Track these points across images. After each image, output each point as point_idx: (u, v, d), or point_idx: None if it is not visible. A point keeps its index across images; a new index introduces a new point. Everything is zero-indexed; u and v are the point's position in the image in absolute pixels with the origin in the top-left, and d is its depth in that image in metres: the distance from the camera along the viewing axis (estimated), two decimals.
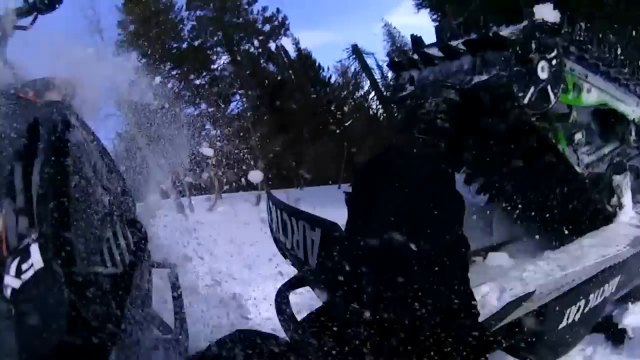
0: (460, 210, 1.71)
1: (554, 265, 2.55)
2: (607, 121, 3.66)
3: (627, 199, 3.28)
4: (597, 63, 3.20)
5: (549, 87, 2.72)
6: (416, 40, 3.40)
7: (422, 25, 16.10)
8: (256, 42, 21.43)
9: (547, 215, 3.29)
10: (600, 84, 3.24)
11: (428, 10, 14.57)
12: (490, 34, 2.73)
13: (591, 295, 2.48)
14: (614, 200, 3.30)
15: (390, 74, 15.28)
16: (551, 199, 3.21)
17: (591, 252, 2.71)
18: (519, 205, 3.43)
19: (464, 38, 3.07)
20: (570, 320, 2.33)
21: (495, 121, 2.92)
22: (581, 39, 3.03)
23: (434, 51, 3.19)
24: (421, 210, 1.64)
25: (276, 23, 21.43)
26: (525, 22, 2.72)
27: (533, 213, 3.42)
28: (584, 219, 3.19)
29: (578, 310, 2.39)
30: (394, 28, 21.72)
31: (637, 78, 3.47)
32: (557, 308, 2.25)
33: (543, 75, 2.67)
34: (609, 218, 3.23)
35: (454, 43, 3.03)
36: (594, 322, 2.73)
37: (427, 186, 1.71)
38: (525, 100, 2.63)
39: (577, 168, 3.17)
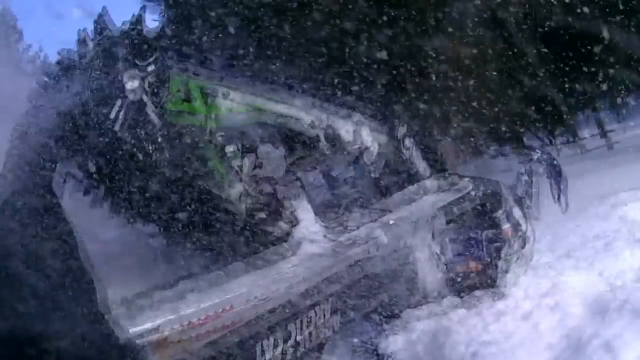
0: (70, 239, 1.80)
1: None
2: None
3: (303, 213, 2.95)
4: (230, 63, 2.84)
5: (145, 98, 2.31)
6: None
7: None
8: None
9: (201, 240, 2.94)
10: (242, 86, 2.86)
11: None
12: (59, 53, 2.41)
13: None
14: (287, 216, 2.93)
15: None
16: (201, 223, 2.84)
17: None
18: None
19: None
20: None
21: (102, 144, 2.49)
22: (208, 40, 2.75)
23: None
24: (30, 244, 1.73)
25: None
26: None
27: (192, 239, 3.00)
28: (249, 241, 2.80)
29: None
30: None
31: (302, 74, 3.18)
32: None
33: (133, 84, 2.25)
34: (285, 236, 2.87)
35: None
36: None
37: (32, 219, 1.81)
38: (112, 115, 2.25)
39: (234, 186, 2.74)
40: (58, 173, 2.66)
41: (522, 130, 7.81)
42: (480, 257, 3.97)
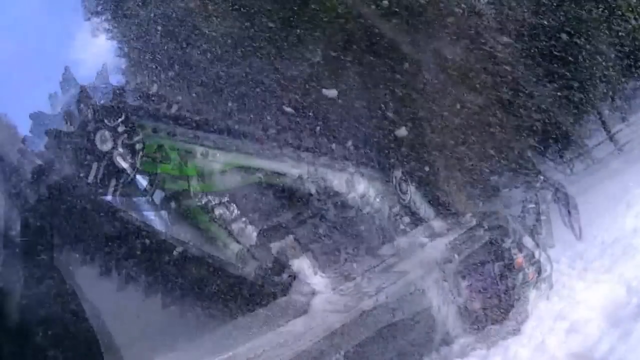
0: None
1: None
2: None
3: (318, 283, 2.92)
4: (206, 121, 2.73)
5: (118, 158, 2.24)
6: None
7: None
8: None
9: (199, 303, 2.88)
10: (219, 142, 2.77)
11: None
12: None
13: None
14: (287, 271, 2.87)
15: None
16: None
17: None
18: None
19: None
20: None
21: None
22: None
23: None
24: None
25: None
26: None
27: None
28: (253, 299, 2.75)
29: None
30: None
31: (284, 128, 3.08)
32: None
33: (104, 146, 2.20)
34: (283, 291, 2.81)
35: None
36: None
37: None
38: (90, 179, 2.19)
39: (230, 246, 2.70)
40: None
41: (528, 154, 7.80)
42: (496, 290, 3.93)
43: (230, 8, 4.78)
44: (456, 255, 3.72)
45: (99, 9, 6.07)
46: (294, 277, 2.82)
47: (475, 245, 3.81)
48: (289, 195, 3.24)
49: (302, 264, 2.91)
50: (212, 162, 2.69)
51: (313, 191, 3.21)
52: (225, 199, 2.84)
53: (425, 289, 3.49)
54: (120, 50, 6.00)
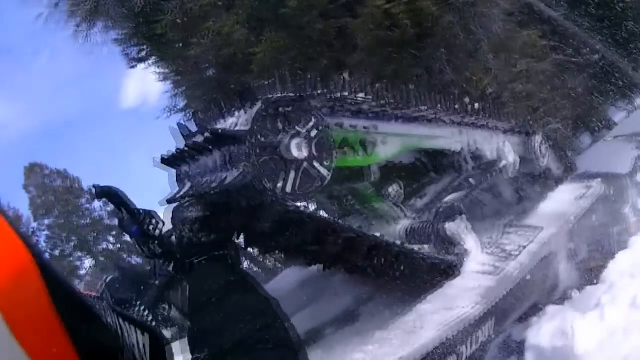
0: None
1: (387, 348, 2.25)
2: (436, 156, 3.33)
3: (470, 242, 3.01)
4: (384, 110, 2.72)
5: (314, 163, 2.20)
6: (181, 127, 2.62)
7: None
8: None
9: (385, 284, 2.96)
10: (397, 129, 2.81)
11: None
12: (209, 132, 2.15)
13: None
14: (457, 248, 2.97)
15: None
16: (376, 272, 2.85)
17: (431, 321, 2.46)
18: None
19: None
20: None
21: (261, 222, 2.36)
22: (348, 91, 2.50)
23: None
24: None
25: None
26: (258, 106, 2.13)
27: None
28: (422, 279, 2.86)
29: None
30: None
31: (447, 107, 3.05)
32: None
33: (301, 153, 2.14)
34: (454, 268, 2.93)
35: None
36: None
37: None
38: (288, 189, 2.11)
39: (399, 223, 2.83)
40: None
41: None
42: (612, 252, 4.11)
43: None
44: (583, 219, 3.86)
45: None
46: (464, 254, 2.97)
47: (600, 209, 3.93)
48: (450, 170, 3.38)
49: (470, 242, 3.05)
50: (389, 148, 2.78)
51: (469, 161, 3.29)
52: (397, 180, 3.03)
53: (557, 251, 3.68)
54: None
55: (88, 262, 19.76)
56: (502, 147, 3.44)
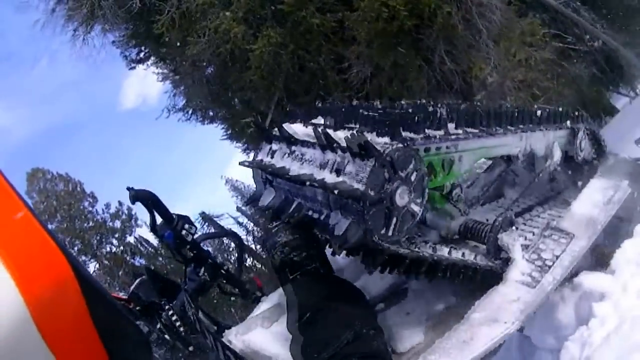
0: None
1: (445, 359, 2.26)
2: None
3: (516, 252, 2.98)
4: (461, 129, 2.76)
5: (412, 205, 2.29)
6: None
7: None
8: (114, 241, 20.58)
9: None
10: (472, 145, 2.86)
11: None
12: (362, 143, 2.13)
13: None
14: (504, 255, 2.96)
15: None
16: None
17: (480, 333, 2.47)
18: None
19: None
20: None
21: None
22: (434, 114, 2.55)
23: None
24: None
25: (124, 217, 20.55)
26: (371, 163, 2.13)
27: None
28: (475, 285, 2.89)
29: None
30: (237, 181, 20.10)
31: (507, 112, 3.11)
32: None
33: (403, 200, 2.22)
34: (498, 276, 2.90)
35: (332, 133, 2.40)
36: None
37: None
38: (390, 233, 2.22)
39: (456, 219, 2.87)
40: None
41: None
42: None
43: None
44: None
45: None
46: (508, 261, 2.96)
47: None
48: (509, 176, 3.46)
49: (517, 251, 3.04)
50: (465, 163, 2.87)
51: (520, 159, 3.31)
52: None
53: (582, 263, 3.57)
54: None
55: (92, 266, 19.84)
56: (551, 146, 3.49)
